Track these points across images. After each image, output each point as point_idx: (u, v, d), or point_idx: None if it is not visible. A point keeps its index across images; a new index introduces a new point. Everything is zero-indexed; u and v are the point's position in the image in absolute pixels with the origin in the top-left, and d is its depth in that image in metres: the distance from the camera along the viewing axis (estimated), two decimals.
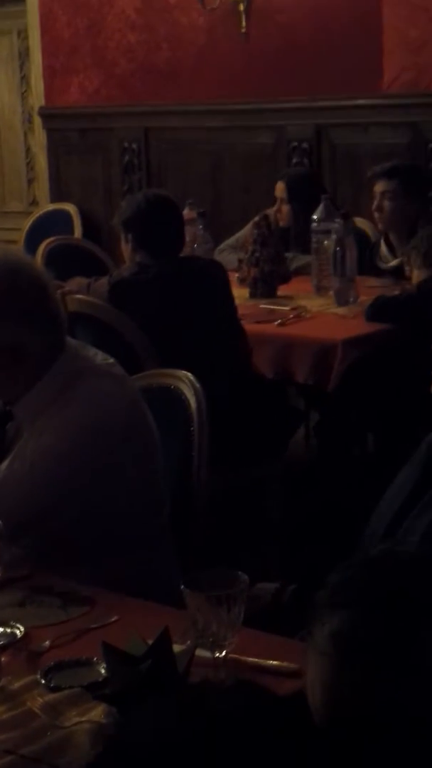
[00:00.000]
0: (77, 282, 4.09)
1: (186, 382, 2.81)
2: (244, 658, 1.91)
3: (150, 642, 1.83)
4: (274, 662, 1.91)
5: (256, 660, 1.92)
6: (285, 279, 4.78)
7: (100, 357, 2.50)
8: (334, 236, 4.52)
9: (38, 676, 1.92)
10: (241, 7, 6.17)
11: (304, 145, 6.08)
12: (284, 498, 4.25)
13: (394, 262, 4.89)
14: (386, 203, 4.84)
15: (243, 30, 6.22)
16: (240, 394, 3.97)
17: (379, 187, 4.86)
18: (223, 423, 3.36)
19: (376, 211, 4.88)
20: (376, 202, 4.87)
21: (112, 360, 2.51)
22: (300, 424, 4.94)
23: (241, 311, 4.21)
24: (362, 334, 4.19)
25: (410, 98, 5.70)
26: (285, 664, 1.90)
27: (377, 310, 4.22)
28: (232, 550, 3.08)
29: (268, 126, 6.22)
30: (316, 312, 4.45)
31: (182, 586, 1.84)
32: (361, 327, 4.23)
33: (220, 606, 1.82)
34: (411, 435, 2.54)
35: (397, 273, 4.77)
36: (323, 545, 3.38)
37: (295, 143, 6.11)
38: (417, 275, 4.20)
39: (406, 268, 4.37)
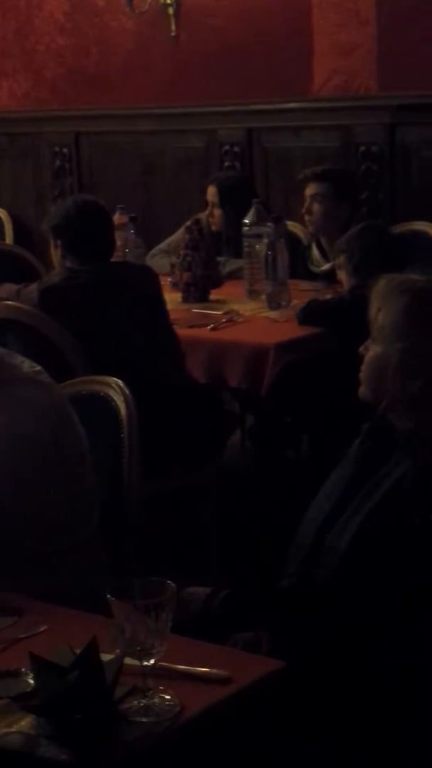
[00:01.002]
0: (7, 288, 4.06)
1: (116, 389, 2.80)
2: (173, 665, 1.90)
3: (78, 652, 1.81)
4: (203, 669, 1.90)
5: (185, 667, 1.91)
6: (217, 283, 4.78)
7: (27, 365, 2.48)
8: (265, 240, 4.51)
9: None
10: (171, 11, 6.15)
11: (236, 148, 6.07)
12: (220, 502, 4.24)
13: (326, 266, 4.90)
14: (316, 206, 4.86)
15: (173, 33, 6.21)
16: (174, 399, 3.95)
17: (309, 190, 4.88)
18: (157, 429, 3.35)
19: (306, 214, 4.91)
20: (306, 205, 4.89)
21: (39, 368, 2.49)
22: (236, 428, 4.94)
23: (173, 316, 4.19)
24: (294, 337, 4.19)
25: (341, 101, 5.72)
26: (214, 671, 1.89)
27: (309, 313, 4.23)
28: (166, 556, 3.07)
29: (199, 130, 6.20)
30: (249, 316, 4.44)
31: (108, 595, 1.83)
32: (293, 331, 4.23)
33: (147, 614, 1.80)
34: (345, 437, 2.55)
35: (330, 277, 4.77)
36: (258, 550, 3.39)
37: (227, 147, 6.10)
38: (348, 281, 4.23)
39: (338, 272, 4.39)
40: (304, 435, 4.89)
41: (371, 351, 2.38)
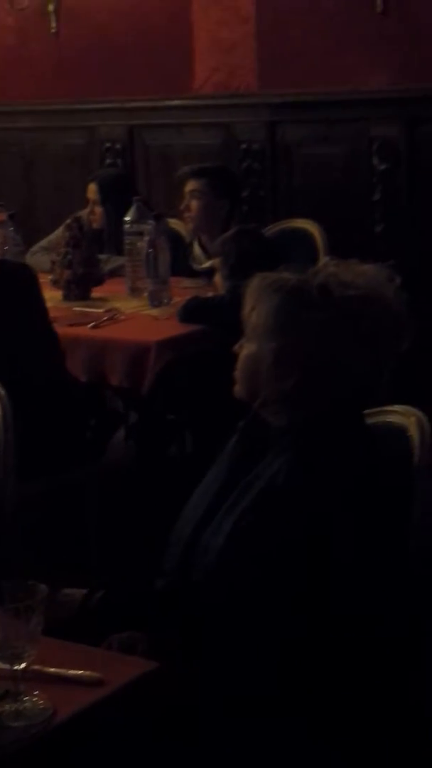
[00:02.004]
0: None
1: None
2: (45, 668, 1.89)
3: None
4: (76, 672, 1.89)
5: (58, 670, 1.89)
6: (98, 281, 4.76)
7: None
8: (146, 238, 4.51)
9: None
10: (51, 7, 6.12)
11: (117, 145, 6.06)
12: (102, 501, 4.22)
13: (207, 264, 4.91)
14: (194, 202, 4.88)
15: (53, 30, 6.17)
16: (53, 397, 3.92)
17: (188, 186, 4.90)
18: (36, 428, 3.32)
19: (184, 210, 4.92)
20: (184, 202, 4.91)
21: None
22: (118, 426, 4.92)
23: (53, 314, 4.15)
24: (175, 335, 4.19)
25: (222, 99, 5.74)
26: (87, 673, 1.89)
27: (190, 311, 4.23)
28: (46, 557, 3.05)
29: (80, 127, 6.18)
30: (130, 314, 4.43)
31: None
32: (174, 328, 4.24)
33: (17, 618, 1.79)
34: (227, 434, 2.55)
35: (211, 274, 4.77)
36: (137, 549, 3.38)
37: (108, 144, 6.09)
38: (223, 285, 4.25)
39: (216, 275, 4.40)
40: (187, 432, 4.89)
41: (245, 350, 2.39)
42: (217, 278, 4.36)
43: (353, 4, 5.23)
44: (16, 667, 1.81)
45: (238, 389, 2.42)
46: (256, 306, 2.36)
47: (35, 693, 1.84)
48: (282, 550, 2.16)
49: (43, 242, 5.24)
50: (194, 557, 2.31)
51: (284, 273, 2.38)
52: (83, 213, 5.19)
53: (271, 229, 5.14)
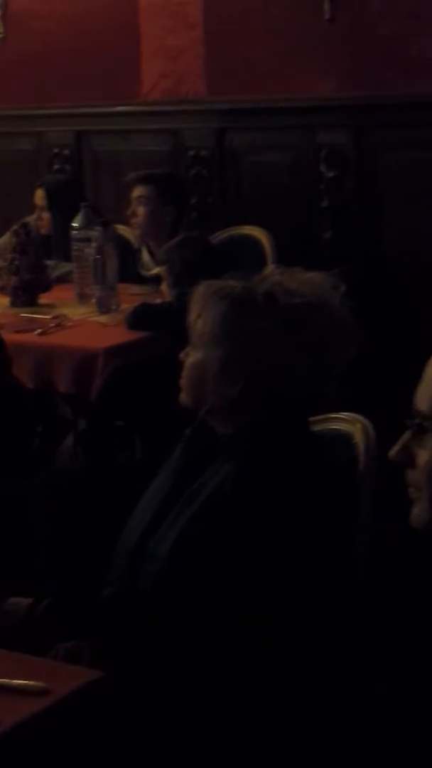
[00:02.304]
0: None
1: None
2: None
3: None
4: (21, 681, 1.88)
5: (2, 680, 1.88)
6: (46, 287, 4.74)
7: None
8: (94, 244, 4.50)
9: None
10: None
11: (65, 151, 6.04)
12: (50, 508, 4.20)
13: (155, 270, 4.90)
14: (141, 209, 4.89)
15: (0, 36, 6.14)
16: (1, 405, 3.90)
17: (135, 192, 4.91)
18: None
19: (131, 216, 4.93)
20: (131, 208, 4.91)
21: None
22: (67, 433, 4.90)
23: (0, 320, 4.14)
24: (123, 342, 4.18)
25: (170, 105, 5.73)
26: (32, 682, 1.88)
27: (138, 317, 4.23)
28: None
29: (28, 132, 6.15)
30: (78, 320, 4.42)
31: None
32: (122, 335, 4.23)
33: None
34: (177, 441, 2.55)
35: (159, 280, 4.78)
36: (85, 557, 3.37)
37: (56, 150, 6.06)
38: (168, 292, 4.25)
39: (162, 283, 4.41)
40: (136, 439, 4.88)
41: (191, 357, 2.39)
42: (164, 286, 4.36)
43: (301, 11, 5.24)
44: None
45: (184, 397, 2.42)
46: (201, 313, 2.36)
47: None
48: (229, 557, 2.16)
49: None
50: (140, 565, 2.31)
51: (230, 280, 2.38)
52: (31, 219, 5.16)
53: (220, 236, 5.14)
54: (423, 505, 1.62)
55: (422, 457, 1.61)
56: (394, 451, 1.66)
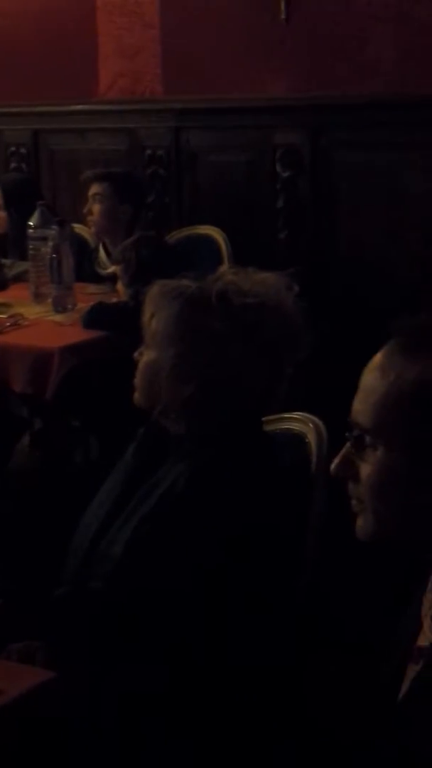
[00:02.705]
0: None
1: None
2: None
3: None
4: None
5: None
6: (2, 286, 4.73)
7: None
8: (50, 243, 4.49)
9: None
10: None
11: (22, 150, 6.03)
12: (5, 507, 4.19)
13: (112, 269, 4.90)
14: (96, 206, 4.90)
15: None
16: None
17: (91, 190, 4.92)
18: None
19: (87, 214, 4.93)
20: (87, 206, 4.92)
21: None
22: (23, 432, 4.90)
23: None
24: (79, 341, 4.18)
25: (126, 105, 5.73)
26: None
27: (94, 317, 4.22)
28: None
29: None
30: (34, 319, 4.41)
31: None
32: (78, 334, 4.22)
33: None
34: (132, 441, 2.55)
35: (116, 279, 4.78)
36: (39, 557, 3.36)
37: (13, 148, 6.05)
38: (124, 292, 4.25)
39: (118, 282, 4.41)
40: (92, 439, 4.88)
41: (145, 357, 2.39)
42: (119, 285, 4.36)
43: (257, 11, 5.25)
44: None
45: (138, 396, 2.42)
46: (155, 313, 2.36)
47: None
48: (181, 558, 2.16)
49: None
50: (94, 565, 2.31)
51: (184, 280, 2.38)
52: None
53: (176, 236, 5.16)
54: (367, 518, 1.58)
55: (364, 470, 1.57)
56: (334, 466, 1.62)
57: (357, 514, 1.61)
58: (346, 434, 1.61)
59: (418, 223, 4.84)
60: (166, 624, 2.15)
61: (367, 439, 1.56)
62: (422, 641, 1.57)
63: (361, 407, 1.57)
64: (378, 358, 1.57)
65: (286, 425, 2.50)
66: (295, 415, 2.51)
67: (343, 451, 1.61)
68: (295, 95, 5.21)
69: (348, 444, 1.60)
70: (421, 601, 1.59)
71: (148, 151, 5.62)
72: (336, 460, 1.62)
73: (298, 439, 2.47)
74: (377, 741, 1.58)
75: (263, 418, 2.43)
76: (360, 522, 1.60)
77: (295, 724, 2.00)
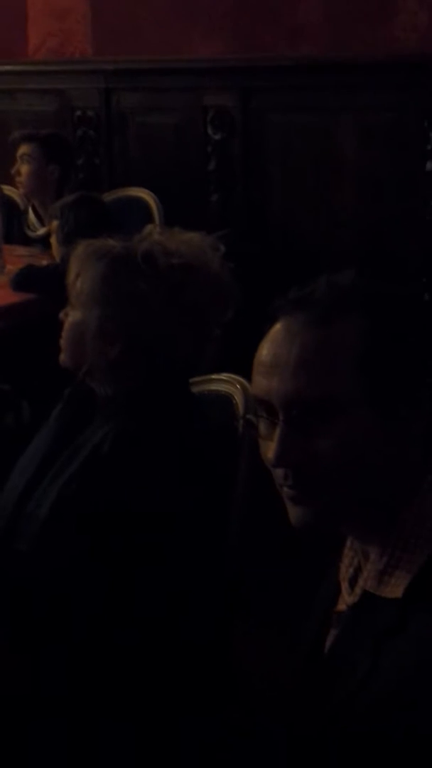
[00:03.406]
0: None
1: None
2: None
3: None
4: None
5: None
6: None
7: None
8: None
9: None
10: None
11: None
12: None
13: (41, 231, 4.88)
14: (24, 167, 4.87)
15: None
16: None
17: (19, 151, 4.88)
18: None
19: (15, 174, 4.90)
20: (15, 166, 4.88)
21: None
22: None
23: None
24: (8, 304, 4.15)
25: (56, 65, 5.68)
26: None
27: (23, 279, 4.19)
28: None
29: None
30: None
31: None
32: (7, 297, 4.19)
33: None
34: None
35: (46, 242, 4.74)
36: None
37: None
38: (58, 250, 4.21)
39: (52, 238, 4.36)
40: (24, 402, 4.84)
41: (70, 317, 2.38)
42: (53, 240, 4.31)
43: None
44: None
45: (64, 357, 2.41)
46: (80, 273, 2.34)
47: None
48: (105, 519, 2.15)
49: None
50: (19, 526, 2.29)
51: (109, 240, 2.36)
52: None
53: (107, 198, 5.11)
54: (314, 504, 1.47)
55: (324, 445, 1.44)
56: (278, 455, 1.46)
57: (295, 504, 1.49)
58: (268, 418, 1.49)
59: (351, 184, 4.84)
60: (88, 587, 2.13)
61: (320, 411, 1.44)
62: (340, 606, 1.57)
63: (299, 382, 1.46)
64: (295, 330, 1.48)
65: (213, 386, 2.50)
66: (222, 376, 2.51)
67: (281, 436, 1.46)
68: (226, 57, 5.18)
69: (282, 428, 1.47)
70: (339, 567, 1.59)
71: (78, 113, 5.57)
72: (277, 449, 1.46)
73: (225, 400, 2.47)
74: (301, 707, 1.58)
75: (190, 380, 2.42)
76: (300, 511, 1.48)
77: (221, 696, 1.99)
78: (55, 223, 4.27)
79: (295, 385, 1.46)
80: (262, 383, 1.50)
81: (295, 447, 1.46)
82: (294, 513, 1.50)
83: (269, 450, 1.50)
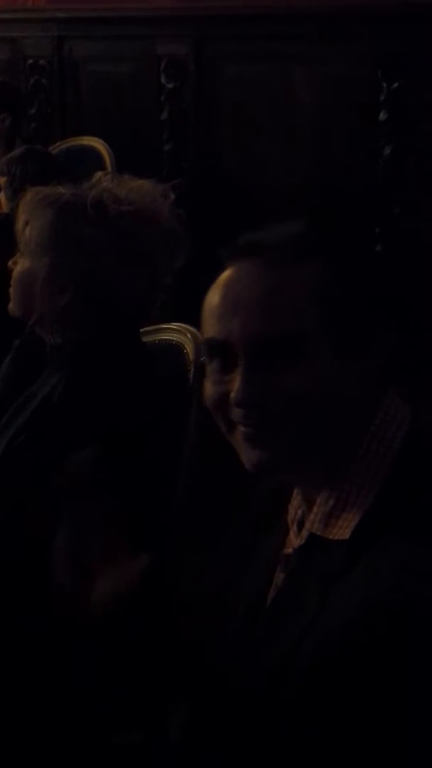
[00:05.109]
0: None
1: None
2: None
3: None
4: None
5: None
6: None
7: None
8: None
9: None
10: None
11: None
12: None
13: None
14: None
15: None
16: None
17: None
18: None
19: None
20: None
21: None
22: None
23: None
24: None
25: (7, 13, 5.60)
26: None
27: None
28: None
29: None
30: None
31: None
32: None
33: None
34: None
35: None
36: None
37: None
38: (6, 205, 4.17)
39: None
40: None
41: (19, 266, 2.35)
42: (2, 196, 4.27)
43: None
44: None
45: (12, 306, 2.39)
46: (29, 221, 2.32)
47: None
48: (55, 469, 2.14)
49: None
50: None
51: (58, 187, 2.34)
52: None
53: (59, 147, 5.07)
54: (275, 444, 1.47)
55: (291, 381, 1.45)
56: (247, 394, 1.46)
57: (252, 447, 1.48)
58: (225, 361, 1.49)
59: (303, 134, 4.82)
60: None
61: (282, 348, 1.45)
62: (288, 548, 1.57)
63: (262, 319, 1.46)
64: (254, 272, 1.48)
65: (163, 336, 2.49)
66: (173, 325, 2.50)
67: (245, 375, 1.47)
68: (179, 5, 5.13)
69: (246, 367, 1.47)
70: (287, 509, 1.59)
71: (30, 61, 5.51)
72: (242, 388, 1.46)
73: (176, 349, 2.46)
74: (247, 650, 1.57)
75: (141, 329, 2.41)
76: (257, 453, 1.48)
77: (165, 644, 1.98)
78: (2, 180, 4.23)
79: (259, 323, 1.46)
80: (217, 326, 1.50)
81: (259, 385, 1.46)
82: (251, 456, 1.50)
83: (217, 392, 1.50)
